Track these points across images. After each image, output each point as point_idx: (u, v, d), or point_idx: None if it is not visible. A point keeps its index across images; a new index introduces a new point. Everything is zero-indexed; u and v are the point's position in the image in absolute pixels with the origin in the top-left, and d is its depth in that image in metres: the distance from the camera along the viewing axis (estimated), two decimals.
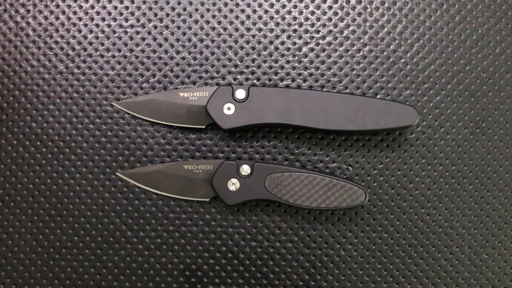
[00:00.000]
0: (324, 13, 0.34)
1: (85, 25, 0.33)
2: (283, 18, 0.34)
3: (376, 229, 0.33)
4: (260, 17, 0.34)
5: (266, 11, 0.34)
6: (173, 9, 0.34)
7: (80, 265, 0.33)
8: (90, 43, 0.33)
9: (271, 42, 0.33)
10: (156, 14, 0.33)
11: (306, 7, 0.34)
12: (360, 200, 0.31)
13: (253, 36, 0.34)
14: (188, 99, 0.32)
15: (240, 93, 0.31)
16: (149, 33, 0.33)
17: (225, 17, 0.34)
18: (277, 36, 0.34)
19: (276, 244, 0.33)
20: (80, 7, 0.33)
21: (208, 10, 0.34)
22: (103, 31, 0.33)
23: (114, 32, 0.33)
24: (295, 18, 0.34)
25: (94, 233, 0.33)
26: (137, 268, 0.33)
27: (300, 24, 0.34)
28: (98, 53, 0.33)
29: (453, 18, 0.34)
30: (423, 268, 0.33)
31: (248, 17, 0.34)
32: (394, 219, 0.33)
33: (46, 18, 0.33)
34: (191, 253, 0.33)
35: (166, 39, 0.33)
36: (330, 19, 0.34)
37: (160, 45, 0.33)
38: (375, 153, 0.33)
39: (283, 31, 0.34)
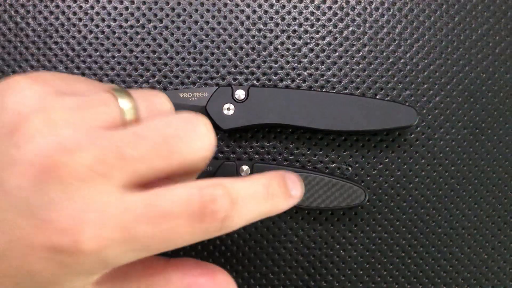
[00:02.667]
0: (324, 14, 0.34)
1: (85, 25, 0.33)
2: (283, 19, 0.34)
3: (376, 229, 0.33)
4: (259, 18, 0.34)
5: (265, 12, 0.34)
6: (172, 9, 0.34)
7: None
8: (90, 44, 0.33)
9: (270, 43, 0.34)
10: (155, 15, 0.34)
11: (306, 7, 0.34)
12: (360, 200, 0.31)
13: (253, 36, 0.34)
14: (187, 99, 0.32)
15: (240, 94, 0.31)
16: (149, 33, 0.33)
17: (225, 17, 0.34)
18: (277, 37, 0.34)
19: (276, 244, 0.33)
20: (80, 7, 0.33)
21: (207, 10, 0.34)
22: (103, 32, 0.33)
23: (114, 32, 0.33)
24: (294, 19, 0.34)
25: None
26: None
27: (300, 25, 0.34)
28: (97, 53, 0.33)
29: (453, 19, 0.34)
30: (423, 269, 0.33)
31: (248, 17, 0.34)
32: (394, 219, 0.33)
33: (46, 18, 0.33)
34: (190, 253, 0.33)
35: (165, 40, 0.33)
36: (329, 20, 0.34)
37: (160, 45, 0.33)
38: (374, 154, 0.33)
39: (283, 31, 0.34)
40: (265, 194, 0.21)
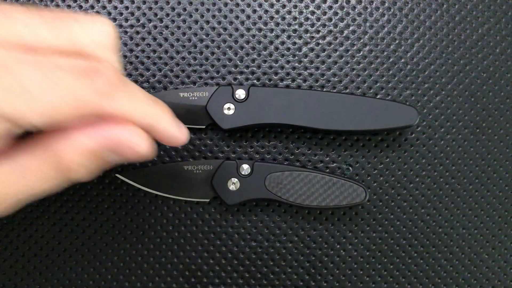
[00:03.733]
0: (324, 13, 0.34)
1: None
2: (283, 18, 0.34)
3: (376, 229, 0.33)
4: (260, 17, 0.34)
5: (266, 11, 0.34)
6: (173, 9, 0.34)
7: (80, 266, 0.33)
8: None
9: (271, 42, 0.33)
10: (156, 14, 0.33)
11: (306, 7, 0.34)
12: (361, 198, 0.31)
13: (253, 36, 0.33)
14: (188, 99, 0.32)
15: (240, 93, 0.31)
16: (149, 33, 0.33)
17: (225, 17, 0.33)
18: (277, 36, 0.33)
19: (276, 244, 0.33)
20: (80, 7, 0.33)
21: (208, 10, 0.34)
22: None
23: None
24: (295, 18, 0.34)
25: (93, 233, 0.33)
26: (136, 268, 0.33)
27: (300, 24, 0.34)
28: None
29: (453, 18, 0.34)
30: (423, 268, 0.33)
31: (248, 17, 0.34)
32: (394, 219, 0.33)
33: None
34: (190, 253, 0.33)
35: (166, 39, 0.33)
36: (330, 19, 0.34)
37: (160, 45, 0.33)
38: (375, 153, 0.33)
39: (283, 31, 0.34)
40: (151, 105, 0.21)
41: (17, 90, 0.18)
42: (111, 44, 0.20)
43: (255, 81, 0.33)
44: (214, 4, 0.34)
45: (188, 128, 0.33)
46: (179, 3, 0.34)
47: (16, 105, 0.18)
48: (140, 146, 0.20)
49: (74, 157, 0.20)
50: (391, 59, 0.34)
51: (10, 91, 0.17)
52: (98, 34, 0.20)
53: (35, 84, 0.18)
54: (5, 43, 0.18)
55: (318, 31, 0.34)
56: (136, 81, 0.33)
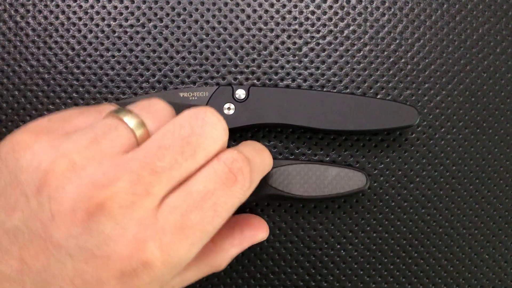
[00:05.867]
0: (325, 13, 0.34)
1: (85, 25, 0.33)
2: (284, 18, 0.34)
3: (377, 229, 0.33)
4: (260, 17, 0.34)
5: (266, 11, 0.34)
6: (173, 8, 0.33)
7: None
8: (90, 43, 0.33)
9: (271, 42, 0.33)
10: (156, 14, 0.33)
11: (307, 6, 0.34)
12: (362, 183, 0.31)
13: (253, 35, 0.33)
14: (188, 99, 0.32)
15: (240, 93, 0.31)
16: (149, 32, 0.33)
17: (225, 16, 0.33)
18: (277, 36, 0.33)
19: (276, 244, 0.33)
20: (80, 6, 0.33)
21: (208, 9, 0.33)
22: (102, 31, 0.33)
23: (114, 31, 0.33)
24: (295, 18, 0.34)
25: None
26: None
27: (301, 24, 0.34)
28: (97, 53, 0.33)
29: (454, 18, 0.34)
30: (424, 269, 0.33)
31: (248, 16, 0.34)
32: (395, 219, 0.33)
33: (45, 18, 0.33)
34: None
35: (166, 39, 0.33)
36: (330, 19, 0.34)
37: (160, 44, 0.33)
38: (375, 153, 0.33)
39: (283, 30, 0.33)
40: (260, 150, 0.25)
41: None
42: (226, 135, 0.22)
43: (255, 81, 0.33)
44: (214, 4, 0.33)
45: None
46: (179, 2, 0.33)
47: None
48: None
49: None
50: (391, 59, 0.34)
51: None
52: (221, 134, 0.21)
53: (202, 222, 0.20)
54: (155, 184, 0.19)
55: (318, 31, 0.34)
56: (135, 81, 0.33)
